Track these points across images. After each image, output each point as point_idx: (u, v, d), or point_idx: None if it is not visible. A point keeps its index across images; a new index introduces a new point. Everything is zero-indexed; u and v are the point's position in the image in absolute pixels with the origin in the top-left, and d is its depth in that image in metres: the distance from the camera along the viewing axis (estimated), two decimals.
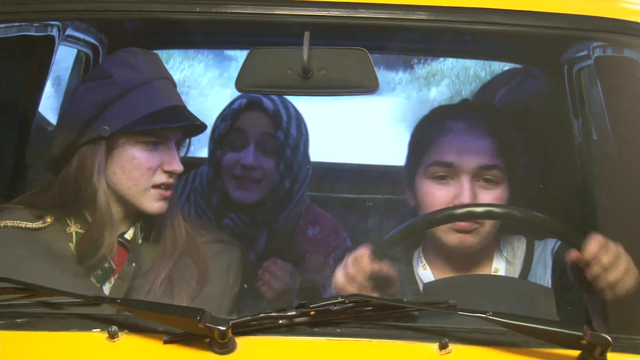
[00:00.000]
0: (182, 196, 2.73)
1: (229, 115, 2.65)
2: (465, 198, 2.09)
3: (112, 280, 2.03)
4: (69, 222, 2.04)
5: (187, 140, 2.16)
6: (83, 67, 2.90)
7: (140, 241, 2.08)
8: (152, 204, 2.04)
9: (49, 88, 2.62)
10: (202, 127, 2.12)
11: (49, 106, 3.08)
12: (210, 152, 2.70)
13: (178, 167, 2.05)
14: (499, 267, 2.15)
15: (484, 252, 2.15)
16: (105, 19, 2.49)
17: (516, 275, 2.14)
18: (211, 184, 2.68)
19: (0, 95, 2.41)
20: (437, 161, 2.14)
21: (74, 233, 2.03)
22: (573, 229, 1.94)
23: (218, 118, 2.71)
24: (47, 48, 2.49)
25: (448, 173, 2.13)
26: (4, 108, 2.42)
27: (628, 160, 2.07)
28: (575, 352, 1.59)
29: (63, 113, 2.08)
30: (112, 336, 1.64)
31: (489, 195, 2.12)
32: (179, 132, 2.08)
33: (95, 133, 2.01)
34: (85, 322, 1.69)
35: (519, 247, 2.18)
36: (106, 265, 2.03)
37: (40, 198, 2.07)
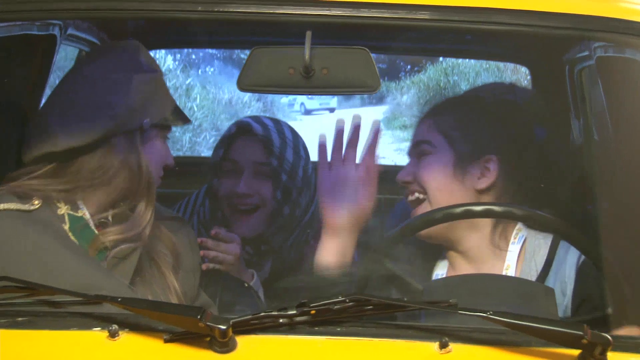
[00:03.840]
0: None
1: (221, 144, 2.62)
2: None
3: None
4: (58, 204, 2.04)
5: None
6: None
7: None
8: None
9: (50, 87, 2.62)
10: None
11: None
12: (209, 181, 2.67)
13: (171, 161, 2.18)
14: (510, 264, 2.16)
15: (490, 242, 2.16)
16: (107, 18, 2.49)
17: (532, 276, 2.14)
18: (212, 214, 2.65)
19: (1, 94, 2.41)
20: None
21: (66, 215, 2.03)
22: (575, 228, 1.94)
23: (216, 146, 2.69)
24: (48, 47, 2.49)
25: None
26: (6, 107, 2.42)
27: (629, 160, 2.07)
28: (576, 352, 1.59)
29: (84, 101, 2.09)
30: (113, 335, 1.64)
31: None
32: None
33: (138, 124, 2.07)
34: (86, 320, 1.69)
35: (541, 246, 2.18)
36: (102, 247, 2.04)
37: (31, 184, 2.05)
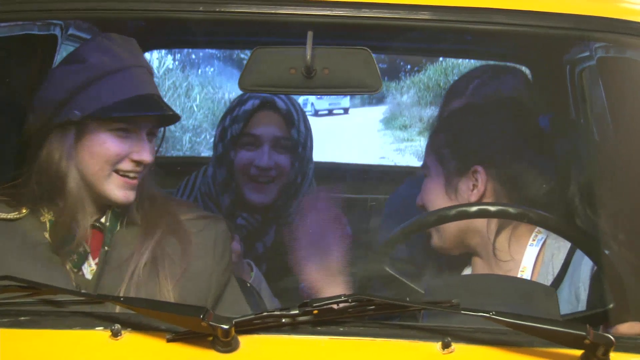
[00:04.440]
0: (187, 198, 2.73)
1: (241, 117, 2.65)
2: None
3: (89, 264, 2.01)
4: (42, 211, 2.02)
5: (162, 130, 2.14)
6: None
7: (114, 225, 2.06)
8: (117, 191, 2.01)
9: None
10: (174, 117, 2.10)
11: None
12: (221, 153, 2.70)
13: (147, 157, 2.02)
14: (527, 266, 2.16)
15: (508, 241, 2.17)
16: (108, 18, 2.48)
17: (549, 279, 2.14)
18: (221, 185, 2.68)
19: (2, 94, 2.41)
20: None
21: (47, 222, 2.01)
22: (583, 231, 1.95)
23: (225, 118, 2.70)
24: (49, 47, 2.49)
25: None
26: (6, 107, 2.42)
27: (630, 160, 2.07)
28: (578, 352, 1.59)
29: (36, 96, 2.05)
30: (115, 334, 1.64)
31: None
32: (151, 121, 2.05)
33: (66, 117, 1.98)
34: (88, 320, 1.69)
35: (560, 251, 2.17)
36: (81, 249, 2.01)
37: (18, 188, 2.04)
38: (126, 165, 2.01)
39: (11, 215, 2.01)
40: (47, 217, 2.02)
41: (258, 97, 2.66)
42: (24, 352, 1.65)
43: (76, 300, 1.75)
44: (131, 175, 2.02)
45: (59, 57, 2.52)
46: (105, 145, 1.99)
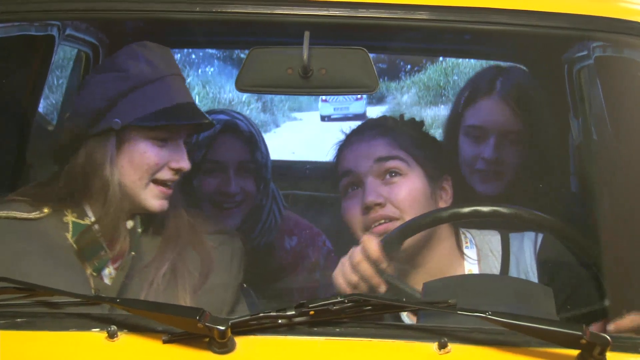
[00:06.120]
0: None
1: (203, 143, 2.57)
2: (370, 198, 2.13)
3: (109, 269, 2.02)
4: (65, 212, 2.03)
5: (195, 137, 2.15)
6: (83, 67, 2.91)
7: (140, 231, 2.07)
8: (153, 201, 2.04)
9: (48, 88, 2.62)
10: (209, 125, 2.14)
11: (48, 106, 3.09)
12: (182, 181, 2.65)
13: (185, 164, 2.05)
14: (471, 268, 2.16)
15: (448, 253, 2.17)
16: (106, 19, 2.49)
17: (496, 270, 2.15)
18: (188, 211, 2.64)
19: (0, 95, 2.41)
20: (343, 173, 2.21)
21: (70, 222, 2.03)
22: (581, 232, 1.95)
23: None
24: (47, 48, 2.49)
25: (354, 182, 2.19)
26: (4, 108, 2.42)
27: (628, 160, 2.07)
28: (575, 352, 1.59)
29: (73, 104, 2.07)
30: (112, 336, 1.64)
31: (396, 188, 2.16)
32: (188, 129, 2.09)
33: (107, 125, 2.00)
34: (85, 321, 1.69)
35: (492, 242, 2.18)
36: (102, 253, 2.01)
37: (43, 189, 2.07)
38: (164, 174, 2.04)
39: (32, 215, 2.01)
40: (70, 218, 2.03)
41: (219, 122, 2.58)
42: (21, 353, 1.65)
43: (72, 301, 1.74)
44: (168, 183, 2.05)
45: (56, 57, 2.52)
46: (146, 155, 2.02)
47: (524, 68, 2.99)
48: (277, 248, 2.65)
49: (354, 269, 1.97)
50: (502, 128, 2.50)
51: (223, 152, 2.56)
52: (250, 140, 2.59)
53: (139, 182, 2.03)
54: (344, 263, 2.00)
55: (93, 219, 2.03)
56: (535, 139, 2.52)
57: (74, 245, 2.00)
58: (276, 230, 2.65)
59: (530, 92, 2.62)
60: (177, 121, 2.04)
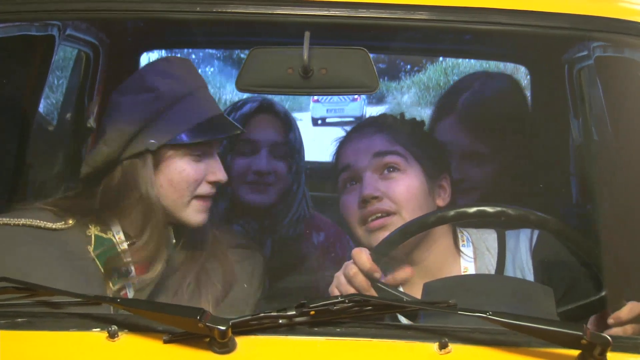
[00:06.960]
0: None
1: (238, 121, 2.58)
2: (367, 192, 2.13)
3: (129, 281, 2.03)
4: (90, 225, 2.04)
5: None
6: (83, 67, 2.91)
7: (174, 242, 2.09)
8: (195, 215, 2.06)
9: (49, 88, 2.62)
10: (240, 134, 2.18)
11: (49, 106, 3.08)
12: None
13: (223, 176, 2.08)
14: (468, 266, 2.16)
15: (446, 251, 2.16)
16: (106, 19, 2.48)
17: (492, 268, 2.15)
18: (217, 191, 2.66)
19: (0, 95, 2.41)
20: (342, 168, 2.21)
21: (93, 236, 2.03)
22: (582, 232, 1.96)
23: None
24: (47, 48, 2.49)
25: (353, 176, 2.19)
26: (4, 108, 2.42)
27: (629, 160, 2.07)
28: (575, 352, 1.59)
29: (104, 125, 2.08)
30: (112, 336, 1.64)
31: (394, 183, 2.16)
32: (220, 140, 2.12)
33: (143, 147, 2.02)
34: (85, 321, 1.69)
35: (488, 240, 2.18)
36: (130, 276, 2.03)
37: (71, 202, 2.07)
38: (204, 189, 2.06)
39: (57, 225, 2.02)
40: (93, 231, 2.04)
41: (256, 100, 2.63)
42: (21, 353, 1.65)
43: (73, 301, 1.74)
44: (207, 197, 2.07)
45: (56, 57, 2.52)
46: (185, 173, 2.04)
47: (524, 68, 3.00)
48: (305, 241, 2.65)
49: (350, 282, 1.97)
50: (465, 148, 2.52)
51: (258, 131, 2.59)
52: (285, 122, 2.62)
53: (180, 200, 2.04)
54: (339, 277, 2.00)
55: (117, 234, 2.04)
56: (535, 139, 2.52)
57: (96, 260, 2.01)
58: (305, 223, 2.65)
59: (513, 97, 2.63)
60: (212, 136, 2.07)
